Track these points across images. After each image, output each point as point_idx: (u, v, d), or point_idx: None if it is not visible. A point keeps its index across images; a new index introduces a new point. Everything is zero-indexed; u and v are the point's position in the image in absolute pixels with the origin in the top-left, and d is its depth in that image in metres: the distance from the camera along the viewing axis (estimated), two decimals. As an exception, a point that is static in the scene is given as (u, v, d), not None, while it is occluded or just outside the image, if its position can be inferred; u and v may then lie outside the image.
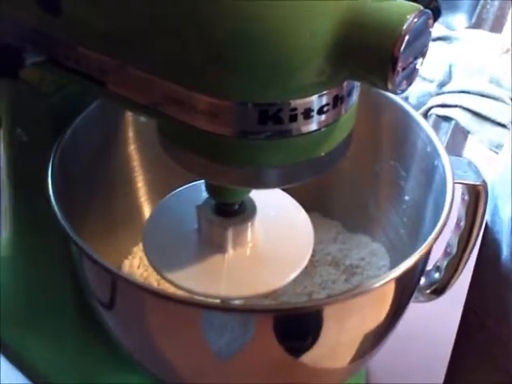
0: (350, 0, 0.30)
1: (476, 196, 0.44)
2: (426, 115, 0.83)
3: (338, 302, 0.37)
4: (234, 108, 0.31)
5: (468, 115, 0.81)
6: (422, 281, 0.47)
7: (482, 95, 0.82)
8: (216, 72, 0.31)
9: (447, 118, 0.81)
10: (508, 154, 0.52)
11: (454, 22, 1.09)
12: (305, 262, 0.41)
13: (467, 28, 1.00)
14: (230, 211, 0.40)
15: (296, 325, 0.38)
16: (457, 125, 0.80)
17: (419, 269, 0.43)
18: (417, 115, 0.47)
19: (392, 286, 0.39)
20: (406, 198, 0.49)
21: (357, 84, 0.34)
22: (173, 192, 0.45)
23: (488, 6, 1.05)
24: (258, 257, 0.41)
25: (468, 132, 0.80)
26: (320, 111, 0.32)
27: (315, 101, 0.32)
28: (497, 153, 0.77)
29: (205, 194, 0.41)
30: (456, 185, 0.42)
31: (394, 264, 0.51)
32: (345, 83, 0.32)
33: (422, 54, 0.32)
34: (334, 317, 0.38)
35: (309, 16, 0.30)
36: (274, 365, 0.40)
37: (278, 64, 0.30)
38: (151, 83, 0.33)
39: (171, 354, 0.41)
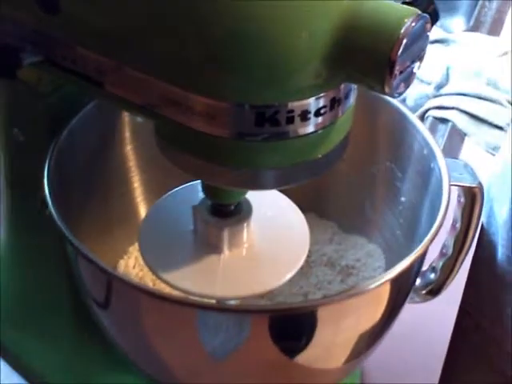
0: (348, 1, 0.31)
1: (472, 198, 0.44)
2: (423, 117, 0.84)
3: (334, 302, 0.37)
4: (231, 109, 0.31)
5: (465, 117, 0.81)
6: (418, 281, 0.47)
7: (480, 97, 0.82)
8: (213, 72, 0.31)
9: (444, 120, 0.82)
10: (507, 155, 0.52)
11: (452, 25, 1.09)
12: (300, 263, 0.42)
13: (465, 31, 1.01)
14: (226, 212, 0.40)
15: (291, 325, 0.38)
16: (454, 127, 0.81)
17: (415, 270, 0.43)
18: (413, 117, 0.47)
19: (387, 287, 0.39)
20: (403, 199, 0.49)
21: (354, 86, 0.34)
22: (169, 192, 0.45)
23: (486, 9, 1.06)
24: (253, 257, 0.41)
25: (465, 134, 0.81)
26: (317, 113, 0.32)
27: (312, 103, 0.32)
28: (493, 155, 0.77)
29: (201, 195, 0.41)
30: (452, 187, 0.42)
31: (389, 265, 0.51)
32: (342, 86, 0.32)
33: (420, 58, 0.32)
34: (330, 317, 0.38)
35: (307, 16, 0.30)
36: (269, 365, 0.40)
37: (276, 64, 0.30)
38: (148, 84, 0.33)
39: (166, 353, 0.41)
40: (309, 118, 0.32)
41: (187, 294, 0.39)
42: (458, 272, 0.48)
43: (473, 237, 0.46)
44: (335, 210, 0.55)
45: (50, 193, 0.40)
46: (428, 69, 0.86)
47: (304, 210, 0.45)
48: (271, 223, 0.43)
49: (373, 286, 0.37)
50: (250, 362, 0.40)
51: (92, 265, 0.37)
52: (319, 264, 0.53)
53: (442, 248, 0.47)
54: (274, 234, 0.43)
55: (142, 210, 0.53)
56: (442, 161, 0.43)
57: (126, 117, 0.49)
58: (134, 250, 0.53)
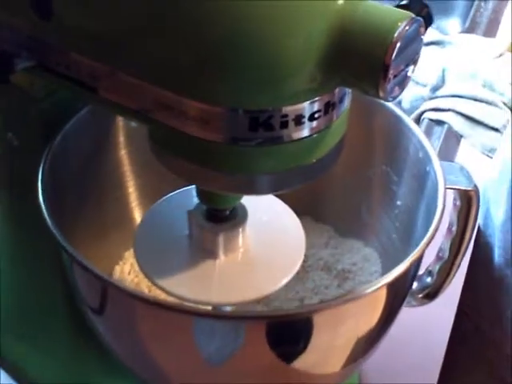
0: (342, 5, 0.30)
1: (468, 201, 0.44)
2: (419, 119, 0.83)
3: (330, 308, 0.37)
4: (225, 114, 0.31)
5: (461, 119, 0.81)
6: (415, 285, 0.47)
7: (475, 99, 0.82)
8: (206, 76, 0.31)
9: (440, 122, 0.82)
10: (504, 157, 0.52)
11: (448, 26, 1.09)
12: (296, 268, 0.41)
13: (461, 32, 1.01)
14: (221, 217, 0.40)
15: (288, 331, 0.38)
16: (450, 129, 0.81)
17: (411, 274, 0.43)
18: (409, 120, 0.47)
19: (384, 292, 0.39)
20: (398, 203, 0.49)
21: (348, 90, 0.34)
22: (164, 197, 0.45)
23: (482, 10, 1.06)
24: (249, 262, 0.41)
25: (461, 136, 0.81)
26: (311, 118, 0.32)
27: (306, 107, 0.31)
28: (490, 157, 0.77)
29: (196, 199, 0.41)
30: (448, 190, 0.42)
31: (386, 269, 0.51)
32: (336, 90, 0.32)
33: (414, 62, 0.32)
34: (326, 323, 0.38)
35: (301, 19, 0.30)
36: (265, 370, 0.40)
37: (269, 67, 0.30)
38: (142, 89, 0.33)
39: (162, 359, 0.41)
40: (303, 123, 0.32)
41: (183, 301, 0.39)
42: (454, 275, 0.48)
43: (469, 240, 0.46)
44: (331, 214, 0.55)
45: (44, 198, 0.40)
46: (424, 71, 0.86)
47: (300, 213, 0.45)
48: (267, 228, 0.43)
49: (369, 290, 0.37)
50: (246, 368, 0.40)
51: (87, 272, 0.37)
52: (315, 268, 0.52)
53: (439, 251, 0.47)
54: (269, 239, 0.43)
55: (137, 215, 0.53)
56: (437, 164, 0.43)
57: (120, 121, 0.49)
58: (130, 256, 0.53)
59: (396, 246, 0.49)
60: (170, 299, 0.39)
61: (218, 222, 0.40)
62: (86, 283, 0.40)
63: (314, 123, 0.32)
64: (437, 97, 0.84)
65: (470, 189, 0.43)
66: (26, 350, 0.56)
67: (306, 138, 0.32)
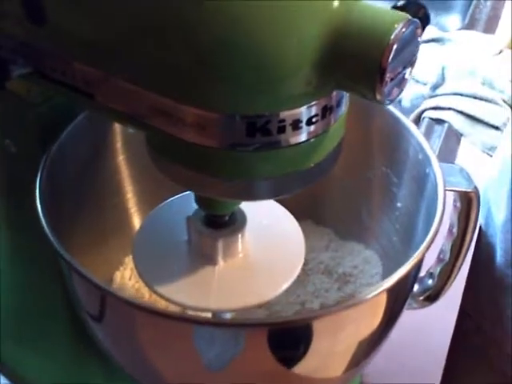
0: (337, 6, 0.30)
1: (468, 203, 0.44)
2: (419, 118, 0.83)
3: (330, 314, 0.37)
4: (222, 120, 0.31)
5: (461, 118, 0.81)
6: (416, 288, 0.47)
7: (475, 97, 0.82)
8: (202, 81, 0.30)
9: (440, 121, 0.81)
10: (504, 156, 0.52)
11: (448, 23, 1.09)
12: (296, 272, 0.41)
13: (460, 29, 1.00)
14: (220, 222, 0.40)
15: (288, 338, 0.37)
16: (450, 128, 0.80)
17: (412, 277, 0.42)
18: (408, 122, 0.47)
19: (384, 297, 0.39)
20: (399, 205, 0.49)
21: (346, 94, 0.33)
22: (163, 202, 0.44)
23: (481, 7, 1.05)
24: (249, 267, 0.41)
25: (461, 135, 0.80)
26: (309, 122, 0.32)
27: (304, 112, 0.31)
28: (490, 155, 0.77)
29: (196, 205, 0.40)
30: (448, 192, 0.42)
31: (386, 271, 0.51)
32: (334, 93, 0.32)
33: (411, 64, 0.31)
34: (327, 329, 0.38)
35: (295, 19, 0.29)
36: (266, 376, 0.40)
37: (264, 68, 0.30)
38: (138, 95, 0.33)
39: (162, 366, 0.41)
40: (300, 127, 0.32)
41: (182, 307, 0.38)
42: (455, 277, 0.47)
43: (470, 241, 0.46)
44: (331, 217, 0.55)
45: (41, 204, 0.39)
46: (423, 69, 0.86)
47: (300, 216, 0.45)
48: (266, 232, 0.43)
49: (370, 296, 0.36)
50: (246, 375, 0.39)
51: (85, 280, 0.37)
52: (316, 272, 0.52)
53: (440, 253, 0.47)
54: (269, 244, 0.42)
55: (136, 221, 0.52)
56: (436, 166, 0.43)
57: (118, 127, 0.49)
58: (130, 262, 0.53)
59: (397, 248, 0.49)
60: (170, 307, 0.39)
61: (217, 228, 0.40)
62: (85, 291, 0.40)
63: (312, 127, 0.32)
64: (437, 95, 0.84)
65: (469, 190, 0.43)
66: (25, 354, 0.56)
67: (303, 142, 0.32)
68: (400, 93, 0.31)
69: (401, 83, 0.31)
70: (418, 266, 0.41)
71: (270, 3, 0.29)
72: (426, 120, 0.82)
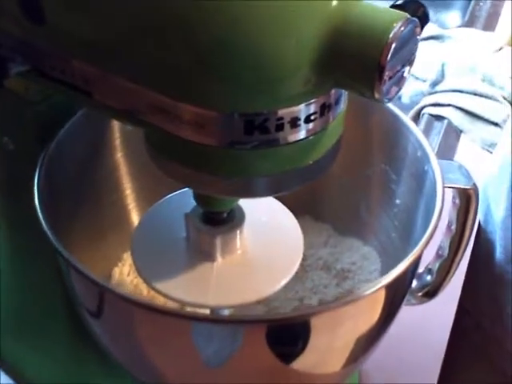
0: (336, 5, 0.30)
1: (467, 200, 0.44)
2: (418, 114, 0.83)
3: (329, 310, 0.37)
4: (220, 118, 0.31)
5: (461, 114, 0.81)
6: (414, 284, 0.47)
7: (475, 94, 0.82)
8: (201, 80, 0.30)
9: (440, 118, 0.81)
10: (504, 153, 0.52)
11: (448, 20, 1.09)
12: (295, 268, 0.41)
13: (460, 26, 1.00)
14: (218, 219, 0.40)
15: (286, 334, 0.37)
16: (450, 124, 0.80)
17: (410, 273, 0.43)
18: (407, 119, 0.47)
19: (383, 293, 0.39)
20: (397, 201, 0.49)
21: (345, 92, 0.33)
22: (162, 199, 0.44)
23: (481, 4, 1.05)
24: (247, 264, 0.41)
25: (461, 131, 0.80)
26: (307, 120, 0.32)
27: (302, 109, 0.31)
28: (490, 152, 0.77)
29: (194, 201, 0.40)
30: (447, 189, 0.42)
31: (385, 267, 0.51)
32: (332, 91, 0.32)
33: (410, 63, 0.32)
34: (325, 325, 0.38)
35: (293, 19, 0.30)
36: (265, 372, 0.40)
37: (263, 69, 0.30)
38: (137, 93, 0.33)
39: (160, 362, 0.41)
40: (299, 125, 0.32)
41: (181, 304, 0.38)
42: (454, 274, 0.47)
43: (468, 238, 0.46)
44: (330, 213, 0.55)
45: (40, 202, 0.40)
46: (423, 66, 0.86)
47: (299, 212, 0.45)
48: (265, 228, 0.43)
49: (368, 292, 0.37)
50: (245, 371, 0.40)
51: (83, 277, 0.37)
52: (315, 268, 0.52)
53: (438, 250, 0.47)
54: (267, 240, 0.42)
55: (135, 217, 0.53)
56: (435, 163, 0.43)
57: (116, 125, 0.49)
58: (128, 257, 0.53)
59: (395, 245, 0.49)
60: (168, 303, 0.39)
61: (216, 225, 0.40)
62: (83, 287, 0.40)
63: (310, 125, 0.32)
64: (436, 92, 0.84)
65: (468, 187, 0.43)
66: (25, 351, 0.56)
67: (302, 140, 0.32)
68: (398, 91, 0.31)
69: (399, 82, 0.31)
70: (416, 262, 0.41)
71: (268, 3, 0.29)
72: (426, 116, 0.82)
